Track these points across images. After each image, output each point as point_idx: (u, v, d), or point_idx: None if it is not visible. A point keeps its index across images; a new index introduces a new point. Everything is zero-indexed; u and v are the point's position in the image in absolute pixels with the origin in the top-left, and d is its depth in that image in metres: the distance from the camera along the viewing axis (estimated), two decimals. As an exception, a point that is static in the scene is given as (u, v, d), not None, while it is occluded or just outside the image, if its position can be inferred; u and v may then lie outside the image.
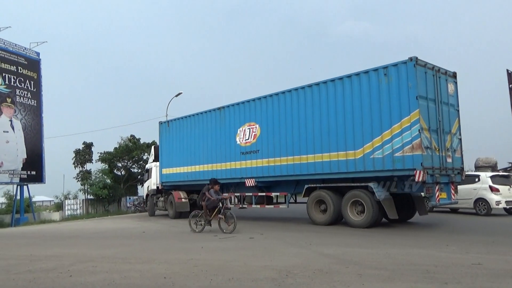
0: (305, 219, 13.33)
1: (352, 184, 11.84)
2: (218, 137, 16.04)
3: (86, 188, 31.17)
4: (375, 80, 11.27)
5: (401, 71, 10.77)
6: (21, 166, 25.54)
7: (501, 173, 17.11)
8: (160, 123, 19.56)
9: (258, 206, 15.12)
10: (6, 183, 26.30)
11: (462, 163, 12.06)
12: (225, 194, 13.02)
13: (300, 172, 12.97)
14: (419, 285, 5.04)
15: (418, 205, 12.29)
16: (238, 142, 15.19)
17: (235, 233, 11.15)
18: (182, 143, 17.97)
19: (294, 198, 14.67)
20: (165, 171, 18.96)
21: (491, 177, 15.11)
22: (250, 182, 14.62)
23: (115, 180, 32.32)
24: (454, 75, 12.07)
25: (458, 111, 12.10)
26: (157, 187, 19.87)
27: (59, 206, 32.93)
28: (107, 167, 32.16)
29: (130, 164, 33.92)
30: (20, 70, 26.30)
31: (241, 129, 15.16)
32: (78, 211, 29.00)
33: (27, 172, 25.81)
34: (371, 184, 11.24)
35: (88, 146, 33.25)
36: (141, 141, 33.34)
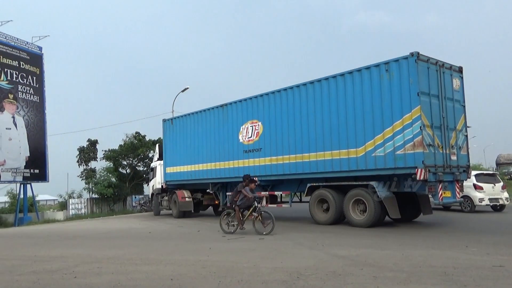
0: (311, 219, 13.34)
1: (354, 183, 12.13)
2: (221, 135, 16.40)
3: (90, 187, 31.44)
4: (376, 76, 11.48)
5: (403, 67, 10.97)
6: (24, 164, 25.91)
7: (486, 172, 18.71)
8: (164, 120, 19.99)
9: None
10: (9, 182, 26.72)
11: (468, 161, 12.23)
12: (262, 193, 12.83)
13: (302, 171, 13.26)
14: (438, 288, 5.01)
15: (422, 204, 12.47)
16: (241, 140, 15.52)
17: (273, 233, 10.93)
18: (185, 141, 18.36)
19: (299, 197, 14.69)
20: (169, 169, 19.39)
21: (476, 175, 16.22)
22: None
23: (120, 179, 32.58)
24: (460, 70, 12.20)
25: (464, 106, 12.24)
26: (162, 186, 20.13)
27: (63, 206, 33.29)
28: (112, 165, 32.40)
29: (136, 162, 34.15)
30: (22, 65, 26.64)
31: (243, 126, 15.49)
32: (83, 211, 29.34)
33: (30, 171, 26.16)
34: (373, 183, 11.50)
35: (93, 143, 33.50)
36: (147, 138, 33.51)
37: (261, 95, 14.88)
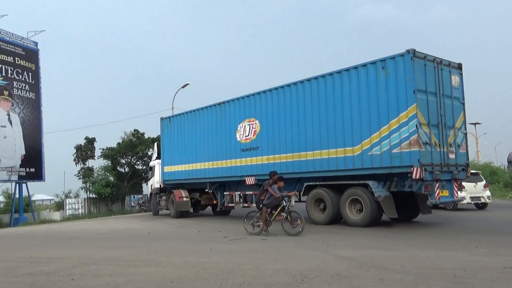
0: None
1: (351, 182, 12.38)
2: (219, 134, 16.70)
3: (88, 186, 31.59)
4: (373, 73, 11.73)
5: (399, 64, 11.21)
6: (20, 162, 26.07)
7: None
8: (162, 119, 20.32)
9: None
10: (4, 181, 26.89)
11: (467, 159, 12.45)
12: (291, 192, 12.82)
13: (299, 170, 13.53)
14: (446, 291, 5.00)
15: (421, 204, 12.63)
16: (238, 139, 15.82)
17: (302, 234, 10.59)
18: (183, 140, 18.68)
19: (298, 197, 14.81)
20: (167, 169, 19.69)
21: None
22: (250, 180, 15.24)
23: (118, 178, 32.70)
24: (459, 67, 12.45)
25: (464, 104, 12.46)
26: (160, 186, 20.51)
27: (59, 205, 33.50)
28: (110, 164, 32.47)
29: (134, 161, 34.26)
30: (18, 61, 26.76)
31: (241, 125, 15.76)
32: (80, 211, 29.50)
33: (26, 169, 26.30)
34: (369, 182, 11.73)
35: (90, 141, 33.63)
36: (146, 136, 33.59)
37: (258, 93, 15.15)
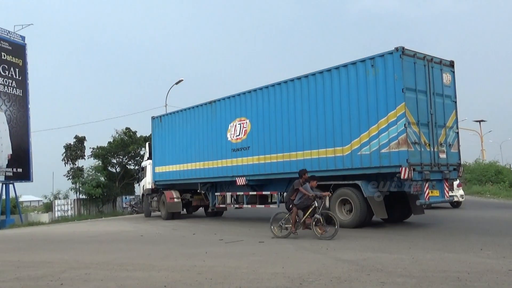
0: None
1: (341, 182, 12.70)
2: (210, 133, 17.03)
3: (77, 187, 31.57)
4: (362, 72, 12.04)
5: (388, 62, 11.50)
6: (6, 162, 26.08)
7: None
8: (153, 118, 20.67)
9: (249, 206, 16.16)
10: (-10, 182, 26.58)
11: (459, 159, 12.73)
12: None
13: (290, 170, 13.81)
14: (450, 295, 5.02)
15: (413, 204, 12.81)
16: (229, 139, 16.15)
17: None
18: (174, 140, 19.02)
19: (283, 197, 14.97)
20: (158, 169, 20.03)
21: None
22: (240, 181, 15.54)
23: (109, 178, 32.72)
24: (451, 64, 12.77)
25: (456, 102, 12.76)
26: (152, 187, 20.84)
27: (48, 207, 33.46)
28: (100, 164, 32.44)
29: (126, 160, 34.28)
30: (4, 56, 26.77)
31: (232, 124, 16.10)
32: (69, 212, 29.49)
33: (12, 169, 26.28)
34: (359, 182, 12.04)
35: (80, 140, 33.52)
36: (138, 134, 33.56)
37: (249, 92, 15.47)
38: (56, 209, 29.55)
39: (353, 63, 12.21)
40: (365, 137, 11.84)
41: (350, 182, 12.29)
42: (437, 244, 9.07)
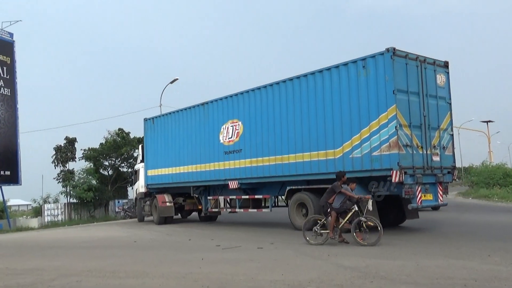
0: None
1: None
2: (203, 136, 17.21)
3: (68, 190, 31.43)
4: (354, 73, 12.20)
5: (379, 63, 11.66)
6: (-6, 165, 25.66)
7: None
8: (145, 120, 20.83)
9: (242, 210, 16.35)
10: (-23, 185, 26.49)
11: (454, 161, 12.86)
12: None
13: (282, 173, 14.04)
14: (456, 303, 5.02)
15: (406, 208, 12.73)
16: (221, 141, 16.32)
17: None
18: (166, 142, 19.19)
19: (286, 202, 15.12)
20: (150, 172, 20.18)
21: None
22: (233, 184, 15.69)
23: (101, 181, 32.66)
24: (445, 65, 12.87)
25: (450, 104, 12.87)
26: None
27: (37, 211, 33.36)
28: (92, 166, 32.33)
29: (119, 163, 34.21)
30: (-9, 54, 26.37)
31: (224, 126, 16.28)
32: (60, 217, 29.44)
33: (0, 172, 25.96)
34: None
35: (71, 142, 33.43)
36: (131, 136, 33.46)
37: (241, 93, 15.63)
38: (45, 214, 29.48)
39: (345, 64, 12.35)
40: (356, 139, 12.01)
41: None
42: (443, 250, 9.10)
